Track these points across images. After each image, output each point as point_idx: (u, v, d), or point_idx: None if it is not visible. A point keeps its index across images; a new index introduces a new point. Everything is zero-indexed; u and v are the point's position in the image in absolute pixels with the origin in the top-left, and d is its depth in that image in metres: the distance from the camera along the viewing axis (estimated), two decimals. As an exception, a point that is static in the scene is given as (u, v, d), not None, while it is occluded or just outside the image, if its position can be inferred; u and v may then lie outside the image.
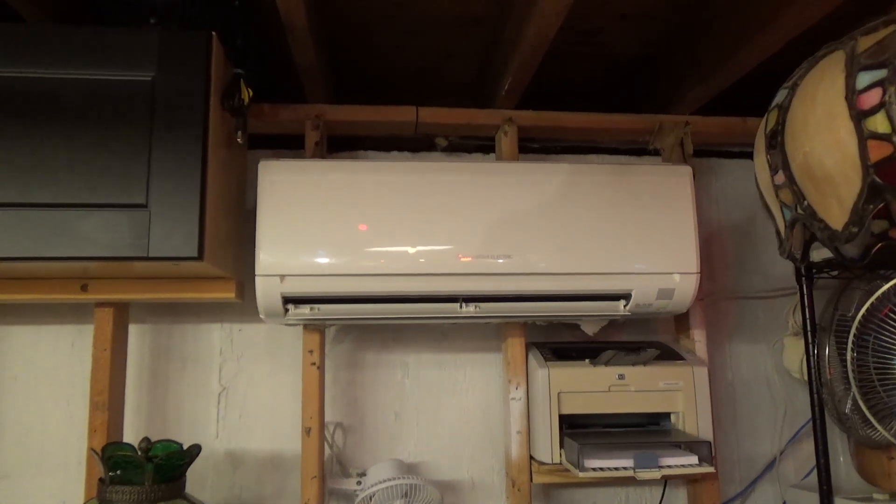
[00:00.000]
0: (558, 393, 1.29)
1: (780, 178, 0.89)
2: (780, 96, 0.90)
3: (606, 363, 1.31)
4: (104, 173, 1.04)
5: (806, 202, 0.86)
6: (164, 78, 1.07)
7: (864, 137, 0.73)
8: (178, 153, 1.06)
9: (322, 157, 1.40)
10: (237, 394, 1.43)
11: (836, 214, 0.80)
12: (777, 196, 0.93)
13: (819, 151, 0.79)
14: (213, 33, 1.11)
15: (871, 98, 0.72)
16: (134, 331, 1.39)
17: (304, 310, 1.21)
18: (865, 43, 0.76)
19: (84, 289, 1.22)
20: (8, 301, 1.25)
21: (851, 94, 0.74)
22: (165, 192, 1.05)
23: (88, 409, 1.23)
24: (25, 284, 1.22)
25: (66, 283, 1.22)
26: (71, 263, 1.07)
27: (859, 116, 0.73)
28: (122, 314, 1.30)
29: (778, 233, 0.99)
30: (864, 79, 0.73)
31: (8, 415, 1.37)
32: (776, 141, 0.88)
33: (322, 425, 1.31)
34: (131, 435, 1.33)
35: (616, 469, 1.19)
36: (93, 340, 1.25)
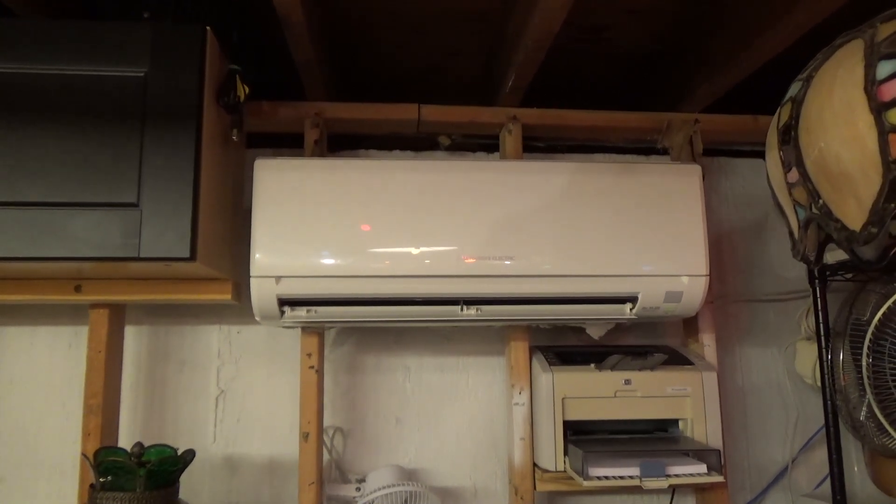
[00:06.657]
0: (563, 398, 1.26)
1: (794, 175, 0.85)
2: (794, 89, 0.87)
3: (612, 368, 1.28)
4: (95, 171, 1.02)
5: (821, 201, 0.82)
6: (156, 74, 1.05)
7: (884, 131, 0.69)
8: (171, 151, 1.03)
9: (322, 155, 1.37)
10: (235, 397, 1.40)
11: (853, 214, 0.77)
12: (790, 195, 0.89)
13: (836, 146, 0.75)
14: (208, 28, 1.09)
15: (893, 89, 0.68)
16: (131, 332, 1.37)
17: (301, 312, 1.19)
18: (886, 30, 0.72)
19: (78, 290, 1.20)
20: (1, 301, 1.23)
21: (871, 85, 0.70)
22: (157, 191, 1.02)
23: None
24: (19, 285, 1.20)
25: (60, 284, 1.20)
26: (62, 264, 1.05)
27: (879, 108, 0.69)
28: (118, 315, 1.28)
29: (791, 233, 0.95)
30: (884, 68, 0.69)
31: (3, 417, 1.35)
32: (789, 136, 0.84)
33: (321, 430, 1.28)
34: (127, 439, 1.30)
35: (622, 478, 1.16)
36: (87, 342, 1.23)
